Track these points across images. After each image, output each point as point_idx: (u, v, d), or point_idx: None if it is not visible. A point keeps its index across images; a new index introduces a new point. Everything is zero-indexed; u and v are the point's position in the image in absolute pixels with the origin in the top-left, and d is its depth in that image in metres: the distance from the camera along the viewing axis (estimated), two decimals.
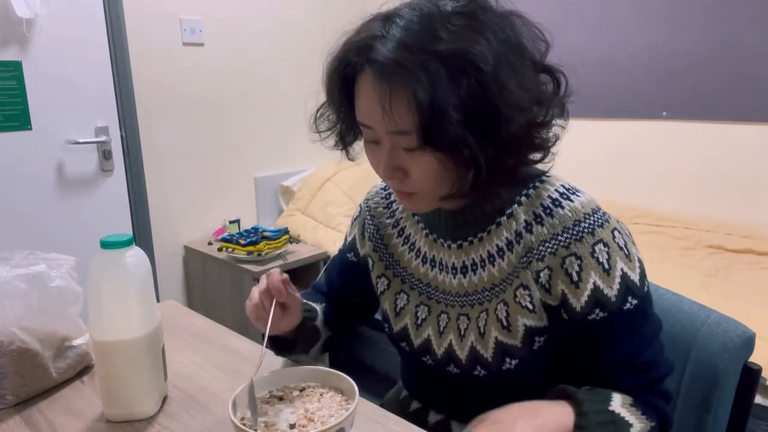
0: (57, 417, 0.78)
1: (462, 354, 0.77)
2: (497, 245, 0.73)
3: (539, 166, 0.73)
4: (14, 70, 1.92)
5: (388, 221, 0.88)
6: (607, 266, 0.67)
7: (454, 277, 0.78)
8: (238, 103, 2.63)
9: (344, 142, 0.78)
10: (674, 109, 2.33)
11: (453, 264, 0.78)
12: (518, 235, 0.72)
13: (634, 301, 0.68)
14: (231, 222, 2.58)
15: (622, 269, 0.68)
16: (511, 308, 0.72)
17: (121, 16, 2.16)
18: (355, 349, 2.45)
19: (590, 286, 0.67)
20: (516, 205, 0.72)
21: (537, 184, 0.73)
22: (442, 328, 0.79)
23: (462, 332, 0.77)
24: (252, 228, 2.41)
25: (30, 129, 1.98)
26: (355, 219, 0.94)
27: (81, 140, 2.09)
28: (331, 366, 0.75)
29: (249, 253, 2.26)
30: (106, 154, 2.18)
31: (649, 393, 0.70)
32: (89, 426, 0.76)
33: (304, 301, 0.91)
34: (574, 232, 0.68)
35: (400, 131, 0.64)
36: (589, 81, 2.53)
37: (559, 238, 0.68)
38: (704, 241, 2.14)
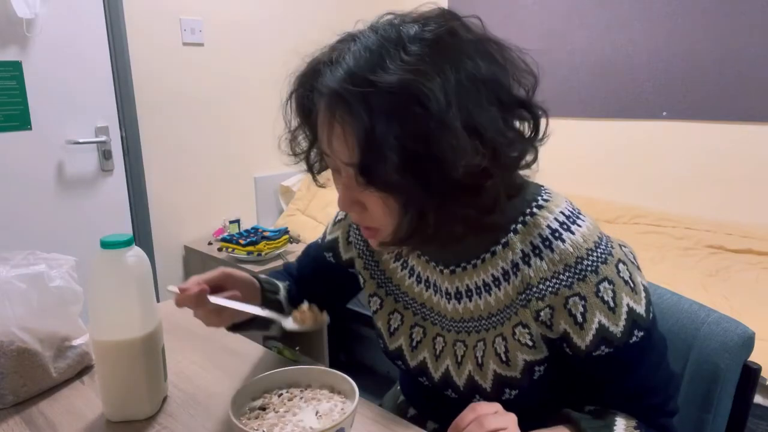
0: (57, 417, 0.78)
1: (459, 381, 0.75)
2: (492, 275, 0.69)
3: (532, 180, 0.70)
4: (14, 70, 1.92)
5: None
6: (612, 304, 0.64)
7: (449, 302, 0.74)
8: (238, 103, 2.63)
9: (309, 165, 0.74)
10: (674, 109, 2.33)
11: (447, 289, 0.74)
12: (515, 265, 0.67)
13: (641, 333, 0.65)
14: (231, 222, 2.58)
15: (628, 304, 0.64)
16: (510, 344, 0.69)
17: (121, 16, 2.16)
18: (355, 349, 2.45)
19: (595, 325, 0.64)
20: (512, 234, 0.67)
21: (534, 210, 0.67)
22: (438, 352, 0.77)
23: (459, 359, 0.74)
24: (252, 228, 2.41)
25: (30, 129, 1.98)
26: (338, 221, 0.90)
27: (81, 140, 2.09)
28: (331, 366, 0.75)
29: (249, 253, 2.26)
30: (106, 154, 2.18)
31: (657, 415, 0.69)
32: (89, 426, 0.76)
33: (264, 277, 0.89)
34: (577, 271, 0.64)
35: (348, 163, 0.60)
36: (589, 81, 2.53)
37: (561, 277, 0.64)
38: (704, 241, 2.14)
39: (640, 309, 0.65)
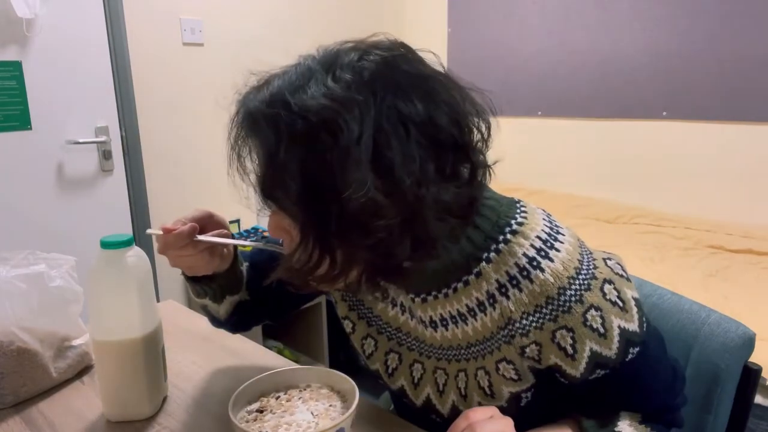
0: (57, 417, 0.78)
1: (444, 409, 0.73)
2: (467, 305, 0.65)
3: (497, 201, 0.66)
4: (14, 70, 1.92)
5: None
6: (602, 330, 0.61)
7: (426, 329, 0.71)
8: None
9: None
10: (674, 109, 2.33)
11: (420, 316, 0.70)
12: (491, 296, 0.63)
13: (636, 349, 0.63)
14: (231, 222, 2.58)
15: (619, 326, 0.61)
16: (493, 378, 0.67)
17: (121, 16, 2.16)
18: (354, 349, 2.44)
19: (587, 353, 0.61)
20: (484, 263, 0.63)
21: (508, 236, 0.62)
22: (416, 380, 0.74)
23: (440, 387, 0.72)
24: (252, 228, 2.41)
25: (30, 129, 1.98)
26: None
27: (81, 140, 2.09)
28: (331, 366, 0.75)
29: None
30: (106, 154, 2.18)
31: (664, 412, 0.69)
32: (89, 426, 0.76)
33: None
34: (561, 303, 0.60)
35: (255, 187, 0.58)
36: (589, 81, 2.53)
37: (544, 310, 0.60)
38: (704, 241, 2.14)
39: (633, 326, 0.63)
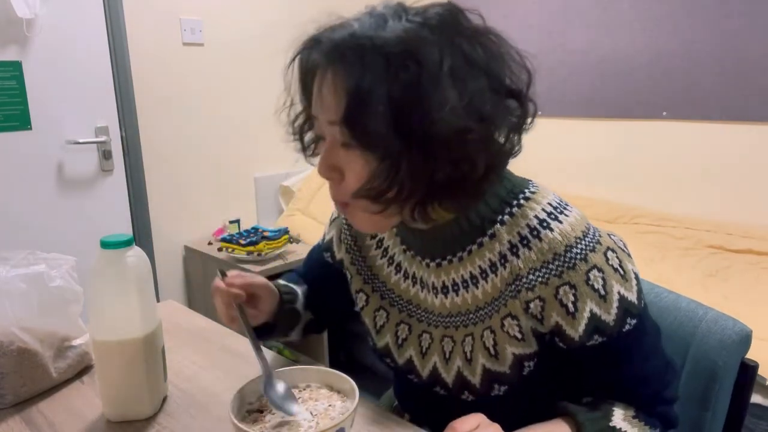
0: (57, 417, 0.78)
1: (448, 378, 0.75)
2: (480, 266, 0.69)
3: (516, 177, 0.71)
4: (14, 70, 1.92)
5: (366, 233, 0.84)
6: (603, 292, 0.64)
7: (436, 297, 0.74)
8: (238, 102, 2.63)
9: (302, 139, 0.75)
10: (674, 109, 2.33)
11: (433, 283, 0.74)
12: (503, 256, 0.67)
13: (633, 321, 0.65)
14: (231, 222, 2.58)
15: (619, 292, 0.65)
16: (498, 337, 0.69)
17: (121, 16, 2.16)
18: (355, 349, 2.45)
19: (587, 314, 0.64)
20: (498, 225, 0.67)
21: (522, 201, 0.68)
22: (424, 349, 0.77)
23: (447, 355, 0.74)
24: (252, 228, 2.41)
25: (30, 129, 1.98)
26: (333, 219, 0.91)
27: (81, 140, 2.09)
28: (331, 366, 0.75)
29: (249, 253, 2.26)
30: (106, 154, 2.18)
31: (656, 403, 0.69)
32: (89, 426, 0.76)
33: (283, 283, 0.91)
34: (567, 259, 0.64)
35: (332, 121, 0.61)
36: (589, 81, 2.53)
37: (550, 266, 0.64)
38: (704, 241, 2.14)
39: (632, 296, 0.65)
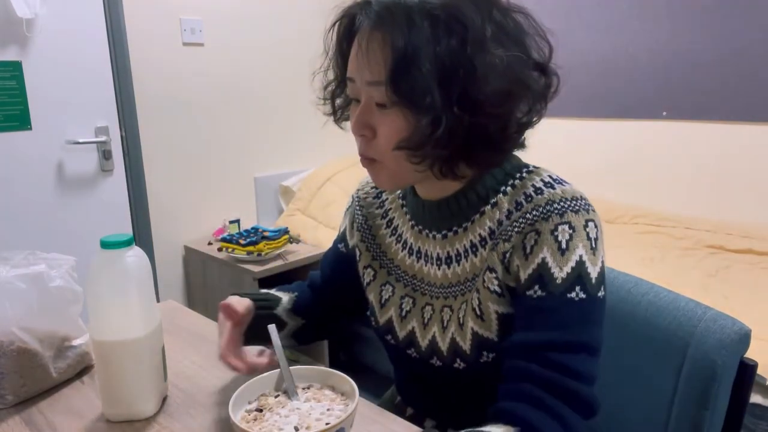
0: (57, 417, 0.78)
1: (444, 346, 0.76)
2: (480, 234, 0.72)
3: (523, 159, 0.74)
4: (14, 70, 1.92)
5: (377, 212, 0.88)
6: (564, 246, 0.64)
7: (439, 268, 0.77)
8: (238, 102, 2.63)
9: (333, 103, 0.79)
10: (674, 109, 2.33)
11: (438, 255, 0.77)
12: (500, 224, 0.70)
13: (582, 295, 0.63)
14: (231, 222, 2.58)
15: (581, 256, 0.64)
16: (482, 295, 0.70)
17: (121, 17, 2.16)
18: (355, 349, 2.45)
19: (538, 260, 0.64)
20: (501, 195, 0.71)
21: (524, 174, 0.71)
22: (426, 321, 0.79)
23: (444, 324, 0.76)
24: (252, 228, 2.41)
25: (30, 129, 1.98)
26: (347, 210, 0.95)
27: (81, 140, 2.09)
28: (331, 366, 0.75)
29: (249, 253, 2.26)
30: (106, 154, 2.18)
31: (556, 396, 0.62)
32: (89, 426, 0.76)
33: (264, 291, 0.94)
34: (543, 211, 0.66)
35: (374, 81, 0.65)
36: (589, 81, 2.53)
37: (527, 216, 0.66)
38: (704, 241, 2.14)
39: (593, 272, 0.64)
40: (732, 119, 2.20)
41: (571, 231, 0.64)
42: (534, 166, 0.73)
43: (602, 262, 0.67)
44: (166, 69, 2.36)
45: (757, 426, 1.40)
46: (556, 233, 0.64)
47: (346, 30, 0.70)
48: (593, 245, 0.65)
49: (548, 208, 0.66)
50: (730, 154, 2.23)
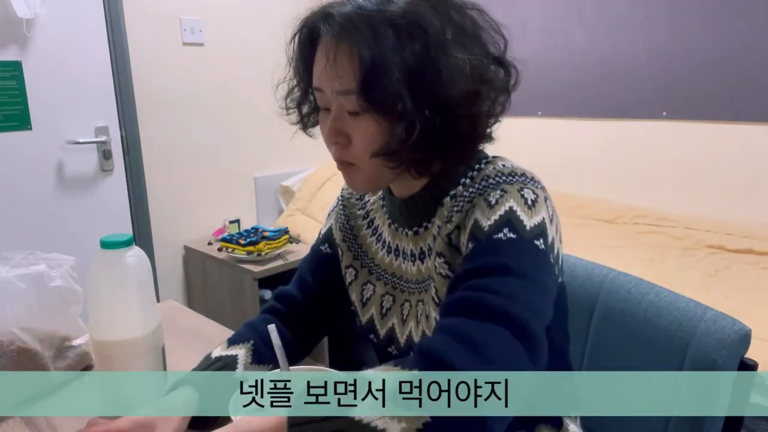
0: (57, 417, 0.78)
1: (418, 340, 0.77)
2: (438, 225, 0.72)
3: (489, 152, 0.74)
4: (14, 70, 1.92)
5: (359, 212, 0.88)
6: (493, 203, 0.64)
7: (413, 264, 0.77)
8: (238, 102, 2.63)
9: (300, 111, 0.78)
10: (674, 109, 2.33)
11: (411, 251, 0.77)
12: (458, 212, 0.70)
13: (511, 235, 0.60)
14: (231, 222, 2.59)
15: (511, 207, 0.62)
16: (437, 282, 0.71)
17: (121, 16, 2.16)
18: (355, 349, 2.45)
19: (471, 223, 0.65)
20: (460, 187, 0.71)
21: (482, 165, 0.71)
22: (405, 317, 0.80)
23: (418, 318, 0.77)
24: (252, 228, 2.41)
25: (30, 129, 1.98)
26: (332, 210, 0.95)
27: (81, 140, 2.09)
28: (331, 366, 0.75)
29: (249, 253, 2.26)
30: (106, 154, 2.18)
31: (473, 316, 0.55)
32: None
33: (213, 359, 0.77)
34: (481, 187, 0.67)
35: (344, 90, 0.65)
36: (589, 81, 2.53)
37: (466, 194, 0.68)
38: (704, 241, 2.14)
39: (525, 219, 0.61)
40: (732, 119, 2.20)
41: (502, 194, 0.64)
42: (493, 156, 0.73)
43: (545, 221, 0.63)
44: (166, 69, 2.36)
45: (757, 426, 1.40)
46: (489, 198, 0.65)
47: (308, 40, 0.71)
48: (529, 203, 0.63)
49: (485, 183, 0.67)
50: (730, 154, 2.23)
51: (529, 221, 0.62)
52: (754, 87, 2.12)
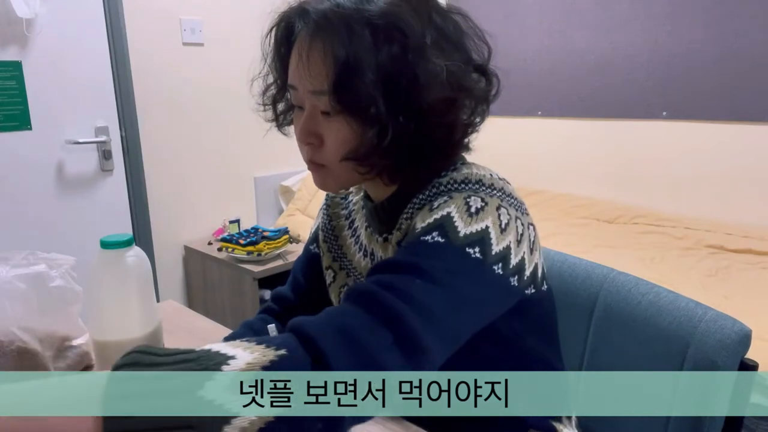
0: None
1: None
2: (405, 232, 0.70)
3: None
4: (14, 70, 1.92)
5: (342, 212, 0.87)
6: (434, 208, 0.62)
7: None
8: (238, 102, 2.63)
9: (275, 108, 0.77)
10: (674, 109, 2.33)
11: (381, 257, 0.76)
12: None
13: (439, 239, 0.58)
14: (231, 222, 2.58)
15: (448, 212, 0.60)
16: None
17: (121, 16, 2.16)
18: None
19: (411, 229, 0.64)
20: (420, 194, 0.69)
21: (449, 173, 0.68)
22: None
23: None
24: (252, 228, 2.41)
25: (30, 129, 1.98)
26: (320, 210, 0.94)
27: (81, 140, 2.09)
28: None
29: (249, 253, 2.26)
30: (106, 154, 2.18)
31: (359, 303, 0.53)
32: None
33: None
34: (432, 194, 0.66)
35: (316, 90, 0.63)
36: (589, 81, 2.53)
37: (416, 201, 0.67)
38: (704, 241, 2.14)
39: (461, 226, 0.59)
40: (732, 119, 2.20)
41: (447, 200, 0.62)
42: (462, 164, 0.70)
43: (487, 230, 0.60)
44: (166, 69, 2.36)
45: (757, 426, 1.40)
46: (432, 204, 0.63)
47: (284, 35, 0.69)
48: (471, 210, 0.60)
49: (435, 190, 0.66)
50: (730, 154, 2.23)
51: (465, 228, 0.59)
52: (753, 87, 2.12)
